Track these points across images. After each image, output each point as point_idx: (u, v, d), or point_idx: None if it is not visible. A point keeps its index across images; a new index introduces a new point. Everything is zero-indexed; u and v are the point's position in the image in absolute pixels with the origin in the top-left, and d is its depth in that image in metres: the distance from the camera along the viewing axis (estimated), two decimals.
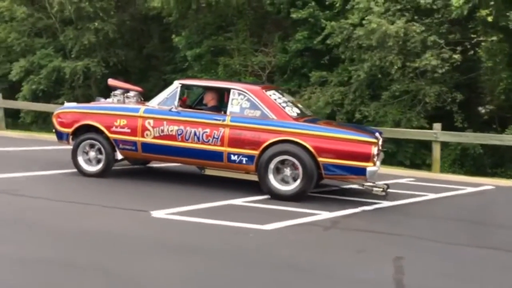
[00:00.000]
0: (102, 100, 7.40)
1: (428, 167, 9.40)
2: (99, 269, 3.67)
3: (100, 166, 6.62)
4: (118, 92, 7.06)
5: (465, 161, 9.33)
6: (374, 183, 6.52)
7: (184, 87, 6.67)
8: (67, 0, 12.88)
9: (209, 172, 6.56)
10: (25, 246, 4.07)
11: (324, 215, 5.50)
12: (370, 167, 5.89)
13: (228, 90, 6.52)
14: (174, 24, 12.56)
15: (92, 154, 6.66)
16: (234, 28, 11.93)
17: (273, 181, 6.08)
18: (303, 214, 5.49)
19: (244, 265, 3.98)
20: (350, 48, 9.70)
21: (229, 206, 5.68)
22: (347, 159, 5.92)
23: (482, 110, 11.19)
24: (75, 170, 6.75)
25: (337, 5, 10.07)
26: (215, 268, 3.84)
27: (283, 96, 6.86)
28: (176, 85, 6.56)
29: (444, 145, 9.44)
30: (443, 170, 9.10)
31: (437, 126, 8.76)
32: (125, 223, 4.88)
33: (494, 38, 9.26)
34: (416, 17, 9.27)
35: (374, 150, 5.94)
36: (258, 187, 6.21)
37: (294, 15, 10.44)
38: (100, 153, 6.62)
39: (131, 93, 7.08)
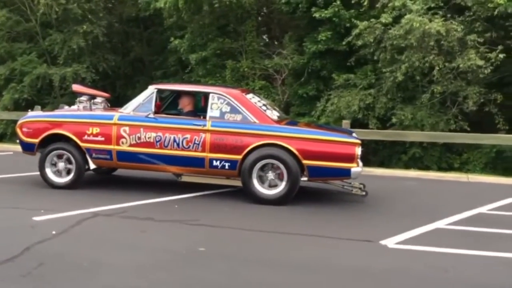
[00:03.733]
0: (66, 107, 7.05)
1: (458, 171, 9.05)
2: None
3: (70, 177, 6.25)
4: (84, 98, 6.68)
5: (497, 164, 8.89)
6: (350, 183, 6.36)
7: (159, 92, 6.37)
8: (54, 1, 12.26)
9: (186, 179, 6.29)
10: None
11: None
12: (354, 168, 5.69)
13: (206, 95, 6.23)
14: (169, 26, 11.98)
15: (61, 164, 6.28)
16: (241, 29, 11.28)
17: (258, 186, 5.82)
18: None
19: None
20: (381, 48, 9.11)
21: (443, 231, 5.10)
22: (332, 160, 5.70)
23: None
24: (212, 191, 6.35)
25: (364, 3, 9.46)
26: None
27: (261, 99, 6.64)
28: (152, 90, 6.25)
29: (471, 147, 9.10)
30: (475, 172, 8.73)
31: None
32: (366, 256, 4.27)
33: None
34: (448, 15, 8.77)
35: (358, 150, 5.74)
36: (429, 211, 5.83)
37: (317, 15, 9.69)
38: (70, 163, 6.25)
39: (98, 99, 6.72)
